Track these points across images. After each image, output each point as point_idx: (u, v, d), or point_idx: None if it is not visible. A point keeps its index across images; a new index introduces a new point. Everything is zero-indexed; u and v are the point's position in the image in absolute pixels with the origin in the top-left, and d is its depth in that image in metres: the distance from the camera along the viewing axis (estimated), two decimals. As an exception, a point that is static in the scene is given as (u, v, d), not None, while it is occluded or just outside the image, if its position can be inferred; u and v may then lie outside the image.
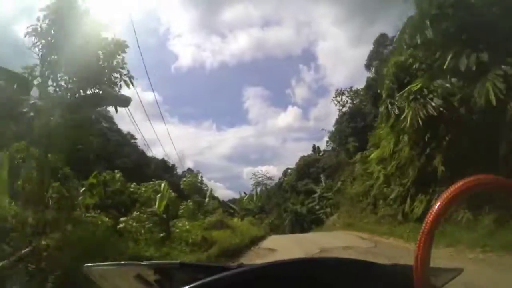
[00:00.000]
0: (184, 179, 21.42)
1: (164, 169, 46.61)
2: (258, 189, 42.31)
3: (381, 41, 28.16)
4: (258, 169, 55.98)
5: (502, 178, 0.59)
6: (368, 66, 28.75)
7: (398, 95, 11.70)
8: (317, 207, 38.12)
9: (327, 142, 33.46)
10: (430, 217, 0.57)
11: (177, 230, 10.11)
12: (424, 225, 0.57)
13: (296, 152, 75.08)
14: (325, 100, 79.43)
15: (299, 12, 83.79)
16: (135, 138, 42.98)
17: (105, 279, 1.07)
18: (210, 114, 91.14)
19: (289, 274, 0.77)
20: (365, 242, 11.12)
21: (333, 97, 29.75)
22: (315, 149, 62.40)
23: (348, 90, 29.30)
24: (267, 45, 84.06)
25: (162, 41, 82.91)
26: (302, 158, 60.03)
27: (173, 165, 49.90)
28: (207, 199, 22.03)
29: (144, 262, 0.97)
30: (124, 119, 69.56)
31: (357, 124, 28.34)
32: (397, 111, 11.64)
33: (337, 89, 29.82)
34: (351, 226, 18.47)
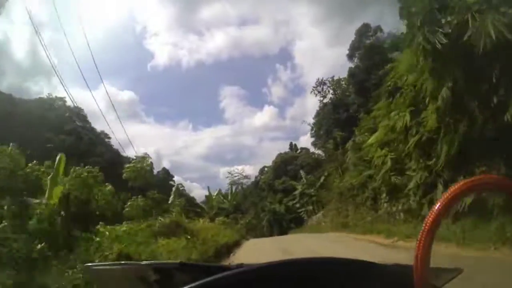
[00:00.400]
0: (128, 165, 15.56)
1: None
2: (234, 187, 39.19)
3: (364, 31, 26.20)
4: (235, 168, 52.40)
5: (504, 178, 0.58)
6: (350, 56, 26.42)
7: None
8: (298, 205, 35.15)
9: (311, 130, 29.45)
10: (430, 216, 0.55)
11: (96, 239, 5.86)
12: (424, 224, 0.56)
13: (272, 151, 73.56)
14: (301, 99, 78.17)
15: (277, 11, 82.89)
16: (109, 138, 40.54)
17: (105, 279, 1.08)
18: (186, 114, 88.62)
19: (289, 274, 0.75)
20: (397, 253, 7.07)
21: (313, 87, 26.52)
22: (292, 146, 60.56)
23: (330, 79, 26.32)
24: (244, 44, 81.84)
25: (139, 40, 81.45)
26: (279, 155, 57.17)
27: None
28: (172, 197, 18.50)
29: (144, 262, 1.03)
30: (100, 119, 66.63)
31: (340, 115, 25.57)
32: (443, 40, 7.28)
33: (318, 79, 26.74)
34: (346, 227, 15.84)
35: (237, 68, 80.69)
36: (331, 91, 26.73)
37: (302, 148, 57.11)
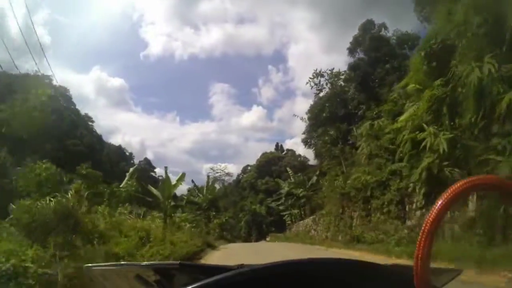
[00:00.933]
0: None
1: (120, 156, 46.84)
2: (211, 180, 37.39)
3: (368, 26, 26.46)
4: (218, 165, 55.30)
5: (503, 179, 0.61)
6: (352, 50, 26.53)
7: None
8: (281, 207, 34.05)
9: (306, 123, 28.62)
10: (430, 217, 0.58)
11: None
12: (424, 225, 0.59)
13: (257, 152, 76.11)
14: (291, 103, 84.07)
15: (275, 13, 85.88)
16: (93, 121, 43.55)
17: (105, 279, 1.13)
18: (174, 106, 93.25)
19: (290, 275, 0.80)
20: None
21: (310, 78, 26.35)
22: (278, 147, 61.30)
23: (329, 72, 26.30)
24: (239, 42, 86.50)
25: (135, 27, 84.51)
26: (264, 154, 57.89)
27: (131, 153, 50.22)
28: (126, 179, 17.85)
29: (144, 263, 1.13)
30: (89, 104, 67.87)
31: (337, 110, 25.67)
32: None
33: (315, 70, 26.63)
34: (350, 241, 13.20)
35: (230, 65, 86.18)
36: (328, 85, 26.68)
37: (288, 150, 58.38)
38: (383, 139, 13.07)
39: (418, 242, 0.58)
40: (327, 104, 25.83)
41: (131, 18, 79.35)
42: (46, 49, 64.92)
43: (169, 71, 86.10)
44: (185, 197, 32.74)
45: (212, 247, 17.08)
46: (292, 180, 30.96)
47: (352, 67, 25.41)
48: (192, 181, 37.84)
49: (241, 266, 0.88)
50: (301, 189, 28.07)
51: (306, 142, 29.22)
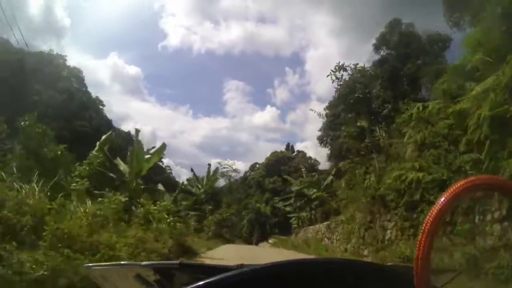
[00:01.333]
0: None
1: (129, 142, 45.42)
2: (214, 171, 35.73)
3: (395, 25, 25.86)
4: (227, 161, 54.77)
5: (504, 179, 0.64)
6: (378, 47, 25.82)
7: None
8: (289, 208, 32.67)
9: (323, 119, 27.87)
10: (430, 217, 0.61)
11: None
12: (424, 225, 0.61)
13: (268, 152, 78.55)
14: (305, 106, 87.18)
15: (297, 15, 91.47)
16: (103, 105, 45.43)
17: (105, 279, 1.18)
18: (188, 99, 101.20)
19: (290, 274, 0.83)
20: None
21: (332, 71, 25.80)
22: (289, 147, 61.29)
23: (352, 66, 25.64)
24: (257, 41, 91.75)
25: (155, 18, 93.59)
26: (274, 153, 58.07)
27: (140, 141, 49.35)
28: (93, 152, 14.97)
29: (144, 263, 1.13)
30: (104, 89, 72.96)
31: (358, 108, 24.97)
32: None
33: (338, 62, 26.10)
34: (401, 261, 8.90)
35: (247, 63, 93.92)
36: (351, 80, 25.99)
37: (298, 151, 58.34)
38: (438, 124, 10.58)
39: (418, 242, 0.62)
40: (358, 85, 24.17)
41: (151, 8, 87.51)
42: (65, 32, 68.76)
43: (186, 64, 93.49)
44: (183, 186, 31.05)
45: (191, 252, 13.41)
46: (305, 178, 29.58)
47: (378, 62, 24.67)
48: (192, 169, 35.78)
49: (241, 266, 0.92)
50: (314, 190, 26.31)
51: (321, 140, 28.44)
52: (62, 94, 35.99)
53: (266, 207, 43.11)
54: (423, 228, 0.61)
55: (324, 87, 77.30)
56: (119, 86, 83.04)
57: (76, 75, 42.42)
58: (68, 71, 41.51)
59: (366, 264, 0.96)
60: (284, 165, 52.28)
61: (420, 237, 0.62)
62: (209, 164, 36.61)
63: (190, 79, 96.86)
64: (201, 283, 0.73)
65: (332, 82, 25.47)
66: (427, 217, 0.61)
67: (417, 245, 0.62)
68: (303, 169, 31.83)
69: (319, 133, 29.14)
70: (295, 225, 30.69)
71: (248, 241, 40.61)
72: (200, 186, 30.79)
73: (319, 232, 21.08)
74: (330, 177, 25.68)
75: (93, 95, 45.07)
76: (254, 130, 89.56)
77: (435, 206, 0.61)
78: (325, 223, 20.54)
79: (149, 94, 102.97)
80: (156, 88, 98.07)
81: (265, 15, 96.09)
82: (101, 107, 45.42)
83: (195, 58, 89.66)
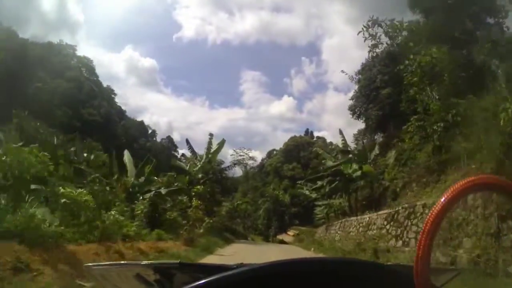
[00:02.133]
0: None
1: (141, 132, 50.19)
2: (220, 144, 26.73)
3: None
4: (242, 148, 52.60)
5: (504, 179, 0.66)
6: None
7: None
8: (316, 194, 26.74)
9: (356, 83, 25.04)
10: (430, 216, 0.64)
11: None
12: (424, 225, 0.64)
13: (284, 141, 77.64)
14: (322, 96, 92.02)
15: (312, 4, 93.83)
16: (115, 94, 47.51)
17: (105, 279, 1.23)
18: (204, 91, 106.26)
19: (290, 274, 0.86)
20: None
21: (364, 27, 23.09)
22: (308, 132, 60.90)
23: (388, 22, 23.11)
24: (273, 31, 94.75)
25: (169, 9, 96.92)
26: (293, 138, 58.14)
27: (154, 131, 52.76)
28: None
29: (144, 262, 1.17)
30: (119, 82, 78.84)
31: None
32: None
33: (371, 16, 23.36)
34: None
35: (262, 54, 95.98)
36: (386, 40, 23.45)
37: (318, 137, 58.73)
38: None
39: (418, 242, 0.64)
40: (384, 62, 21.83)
41: (165, 0, 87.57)
42: (79, 27, 71.52)
43: (201, 55, 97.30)
44: (174, 163, 27.73)
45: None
46: (352, 150, 22.79)
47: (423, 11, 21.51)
48: (187, 141, 28.09)
49: (241, 265, 0.96)
50: (354, 167, 19.53)
51: (354, 111, 25.42)
52: (70, 83, 37.14)
53: (285, 195, 42.17)
54: (423, 228, 0.64)
55: (341, 76, 77.27)
56: (135, 78, 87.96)
57: (86, 64, 43.82)
58: (77, 60, 43.01)
59: (366, 263, 0.99)
60: (304, 150, 52.22)
61: (420, 236, 0.64)
62: (211, 134, 27.92)
63: (206, 70, 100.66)
64: (201, 282, 0.75)
65: (364, 40, 22.87)
66: (427, 217, 0.64)
67: (417, 245, 0.64)
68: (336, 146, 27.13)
69: (350, 102, 25.86)
70: (319, 216, 26.78)
71: (264, 235, 39.41)
72: (197, 164, 25.14)
73: (371, 227, 14.08)
74: (376, 148, 20.37)
75: (108, 86, 47.42)
76: (271, 120, 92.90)
77: (435, 206, 0.64)
78: (383, 211, 13.62)
79: (165, 86, 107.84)
80: (171, 80, 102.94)
81: (280, 4, 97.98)
82: (112, 96, 47.17)
83: (210, 49, 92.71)
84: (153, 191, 16.88)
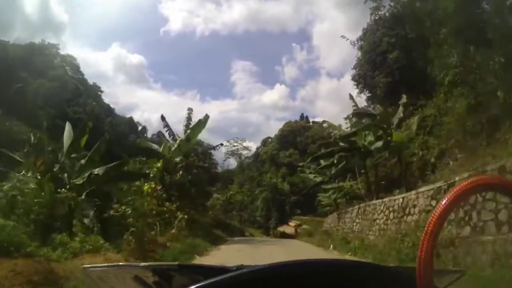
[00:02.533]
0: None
1: (130, 129, 50.35)
2: (199, 123, 20.83)
3: None
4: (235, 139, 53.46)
5: (507, 179, 0.67)
6: None
7: None
8: (321, 178, 23.54)
9: (359, 49, 24.23)
10: (433, 217, 0.64)
11: None
12: (427, 225, 0.65)
13: (278, 130, 79.13)
14: (314, 82, 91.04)
15: None
16: (101, 91, 47.29)
17: (103, 281, 1.24)
18: (194, 84, 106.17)
19: (291, 276, 0.86)
20: None
21: None
22: (303, 117, 60.66)
23: None
24: (262, 19, 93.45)
25: (154, 3, 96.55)
26: (288, 123, 57.79)
27: (144, 127, 52.35)
28: None
29: (142, 264, 1.21)
30: (108, 81, 79.10)
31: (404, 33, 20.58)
32: None
33: None
34: None
35: (252, 43, 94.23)
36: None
37: (314, 122, 58.16)
38: None
39: (421, 243, 0.65)
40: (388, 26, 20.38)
41: None
42: (64, 27, 70.50)
43: (190, 48, 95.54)
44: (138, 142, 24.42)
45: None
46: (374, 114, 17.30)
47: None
48: (162, 117, 22.30)
49: (241, 267, 0.97)
50: (379, 134, 15.92)
51: (357, 81, 24.06)
52: (53, 82, 37.03)
53: (284, 183, 41.49)
54: (425, 228, 0.65)
55: (333, 61, 77.25)
56: (123, 76, 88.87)
57: (70, 62, 43.62)
58: (61, 59, 42.84)
59: (369, 265, 0.99)
60: (300, 136, 52.12)
61: (422, 237, 0.65)
62: (190, 109, 22.46)
63: (196, 63, 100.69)
64: (200, 284, 0.76)
65: (365, 2, 21.63)
66: (430, 217, 0.65)
67: (420, 246, 0.65)
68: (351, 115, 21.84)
69: (353, 71, 24.57)
70: (324, 202, 24.23)
71: (264, 228, 38.01)
72: (174, 144, 20.37)
73: (410, 210, 10.89)
74: (400, 111, 15.86)
75: (94, 84, 46.97)
76: (264, 109, 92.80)
77: (437, 207, 0.64)
78: (425, 188, 10.31)
79: (155, 81, 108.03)
80: (161, 75, 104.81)
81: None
82: (99, 93, 46.91)
83: (198, 41, 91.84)
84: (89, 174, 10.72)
